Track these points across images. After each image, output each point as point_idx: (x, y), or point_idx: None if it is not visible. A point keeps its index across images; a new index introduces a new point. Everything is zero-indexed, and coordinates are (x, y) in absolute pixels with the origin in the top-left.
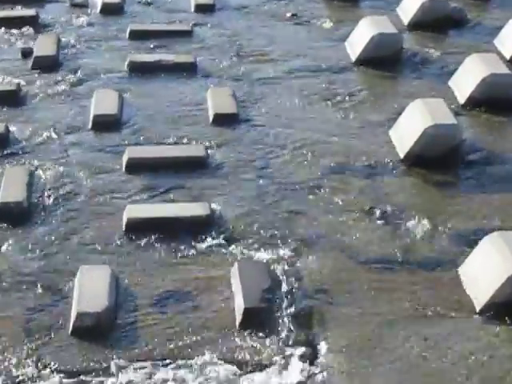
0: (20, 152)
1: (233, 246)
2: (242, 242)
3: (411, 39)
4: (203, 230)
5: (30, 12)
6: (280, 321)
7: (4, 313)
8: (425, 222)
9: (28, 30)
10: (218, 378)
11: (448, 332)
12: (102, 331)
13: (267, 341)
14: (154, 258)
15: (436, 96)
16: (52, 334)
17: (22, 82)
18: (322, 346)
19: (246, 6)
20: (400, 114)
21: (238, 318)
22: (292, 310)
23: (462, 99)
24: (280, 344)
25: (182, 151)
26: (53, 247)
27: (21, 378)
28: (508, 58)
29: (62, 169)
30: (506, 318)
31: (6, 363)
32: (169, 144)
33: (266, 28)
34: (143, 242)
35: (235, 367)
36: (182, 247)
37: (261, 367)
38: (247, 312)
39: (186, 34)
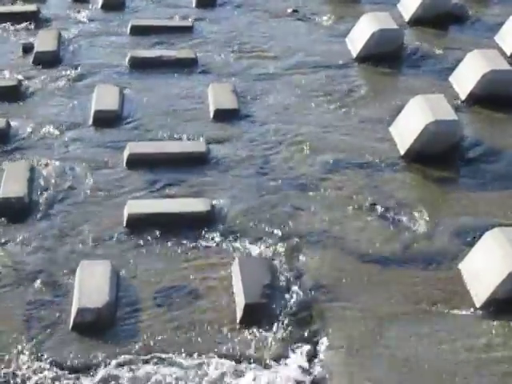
0: (21, 147)
1: (233, 242)
2: (242, 238)
3: (412, 35)
4: (204, 225)
5: (31, 7)
6: (280, 317)
7: (5, 308)
8: (425, 218)
9: (29, 25)
10: (219, 373)
11: (448, 328)
12: (102, 327)
13: (267, 336)
14: (155, 253)
15: (437, 92)
16: (52, 330)
17: (23, 78)
18: (322, 343)
19: (246, 1)
20: (401, 110)
21: (239, 313)
22: (292, 305)
23: (462, 95)
24: (280, 340)
25: (183, 147)
26: (53, 242)
27: (21, 372)
28: (509, 54)
29: (62, 164)
30: (507, 314)
31: (7, 358)
32: (169, 140)
33: (267, 24)
34: (144, 237)
35: (235, 362)
36: (183, 243)
37: (261, 363)
38: (248, 307)
39: (187, 30)
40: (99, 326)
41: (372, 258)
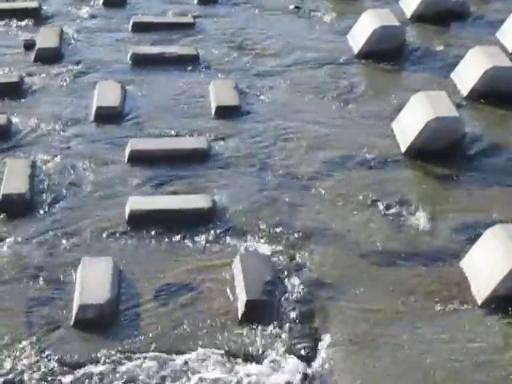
0: (22, 144)
1: (235, 239)
2: (243, 235)
3: (414, 32)
4: (205, 222)
5: (32, 4)
6: (282, 313)
7: (6, 304)
8: (426, 215)
9: (30, 21)
10: (220, 370)
11: (450, 325)
12: (104, 323)
13: (269, 333)
14: (157, 249)
15: (438, 89)
16: (54, 326)
17: (25, 74)
18: (324, 339)
19: None
20: (402, 106)
21: (240, 310)
22: (294, 302)
23: (464, 92)
24: (282, 336)
25: (185, 143)
26: (55, 239)
27: (23, 369)
28: (510, 50)
29: (64, 161)
30: (508, 311)
31: (8, 354)
32: (171, 136)
33: (269, 20)
34: (145, 233)
35: (237, 359)
36: (184, 239)
37: (262, 360)
38: (249, 304)
39: (189, 26)
40: (101, 323)
41: (373, 255)
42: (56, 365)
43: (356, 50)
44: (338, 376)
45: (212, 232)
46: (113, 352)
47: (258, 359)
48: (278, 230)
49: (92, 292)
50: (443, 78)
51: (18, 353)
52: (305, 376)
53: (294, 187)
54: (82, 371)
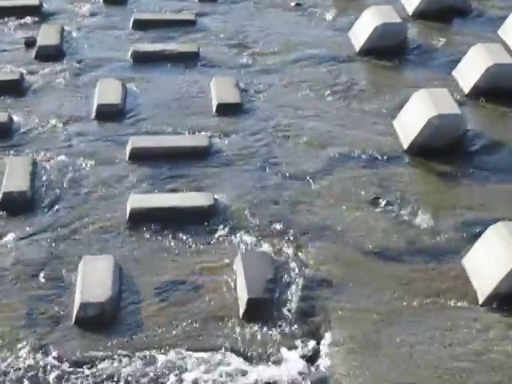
0: (23, 142)
1: (236, 237)
2: (245, 233)
3: (415, 29)
4: (206, 220)
5: (33, 1)
6: (283, 312)
7: (7, 302)
8: (428, 212)
9: (31, 19)
10: (221, 368)
11: (452, 323)
12: (105, 321)
13: (270, 332)
14: (158, 247)
15: (440, 86)
16: (55, 324)
17: (26, 72)
18: (325, 338)
19: None
20: (404, 104)
21: (242, 308)
22: (295, 301)
23: (466, 89)
24: (283, 335)
25: (186, 141)
26: (56, 237)
27: (24, 367)
28: None
29: (65, 158)
30: (510, 309)
31: (9, 353)
32: (172, 134)
33: (270, 17)
34: (146, 231)
35: (237, 357)
36: (186, 237)
37: (263, 358)
38: (251, 302)
39: (190, 24)
40: (102, 321)
41: (375, 253)
42: (57, 363)
43: (357, 47)
44: (339, 375)
45: (213, 230)
46: (114, 350)
47: (259, 358)
48: (280, 227)
49: (93, 290)
50: (445, 75)
51: (18, 351)
52: (306, 375)
53: (296, 185)
54: (83, 369)
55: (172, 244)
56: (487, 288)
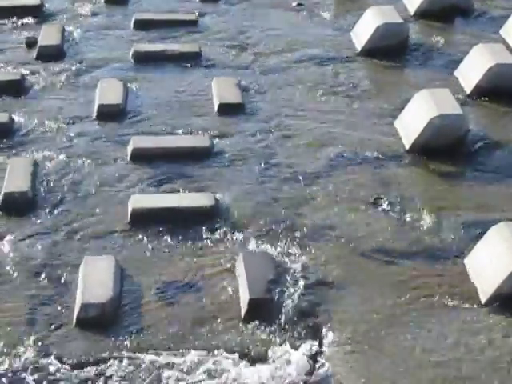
0: (24, 142)
1: (238, 237)
2: (246, 233)
3: (417, 29)
4: (208, 220)
5: (34, 1)
6: (285, 312)
7: (8, 303)
8: (430, 212)
9: (32, 19)
10: (222, 369)
11: (454, 324)
12: (106, 322)
13: (272, 332)
14: (159, 248)
15: (442, 86)
16: (56, 325)
17: (27, 72)
18: (327, 338)
19: None
20: (406, 104)
21: (243, 308)
22: (297, 301)
23: (468, 89)
24: (284, 335)
25: (187, 141)
26: (57, 237)
27: (25, 368)
28: None
29: (66, 159)
30: None
31: (10, 353)
32: (173, 134)
33: (272, 17)
34: (148, 232)
35: (239, 358)
36: (187, 238)
37: (265, 358)
38: (252, 303)
39: (191, 24)
40: (103, 322)
41: (377, 253)
42: (58, 363)
43: (359, 47)
44: (340, 375)
45: (215, 230)
46: (115, 351)
47: (260, 358)
48: (281, 228)
49: (94, 291)
50: (447, 76)
51: (19, 352)
52: (307, 375)
53: (297, 185)
54: (83, 370)
55: (173, 244)
56: (489, 288)
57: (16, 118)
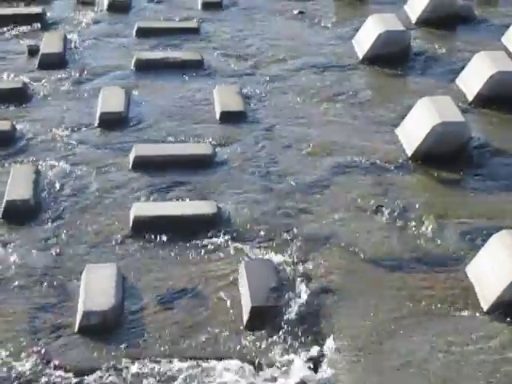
0: (26, 150)
1: (240, 245)
2: (248, 241)
3: (419, 36)
4: (210, 228)
5: (36, 9)
6: (287, 320)
7: (11, 310)
8: (432, 220)
9: (34, 27)
10: (225, 376)
11: (455, 331)
12: (108, 329)
13: (274, 340)
14: (161, 256)
15: (443, 93)
16: (58, 333)
17: (29, 80)
18: (329, 346)
19: (252, 3)
20: (407, 111)
21: (245, 316)
22: (299, 309)
23: (469, 97)
24: (287, 343)
25: (189, 149)
26: (59, 245)
27: (26, 375)
28: None
29: (68, 167)
30: None
31: (12, 361)
32: (176, 142)
33: (273, 25)
34: (150, 240)
35: (242, 365)
36: (189, 245)
37: (267, 366)
38: (254, 311)
39: (193, 32)
40: (105, 329)
41: (379, 261)
42: (60, 371)
43: (361, 55)
44: (342, 383)
45: (217, 238)
46: (117, 358)
47: (263, 366)
48: (283, 236)
49: (96, 298)
50: (448, 83)
51: (21, 359)
52: (310, 382)
53: (299, 193)
54: (85, 378)
55: (175, 252)
56: (491, 296)
57: (18, 125)
